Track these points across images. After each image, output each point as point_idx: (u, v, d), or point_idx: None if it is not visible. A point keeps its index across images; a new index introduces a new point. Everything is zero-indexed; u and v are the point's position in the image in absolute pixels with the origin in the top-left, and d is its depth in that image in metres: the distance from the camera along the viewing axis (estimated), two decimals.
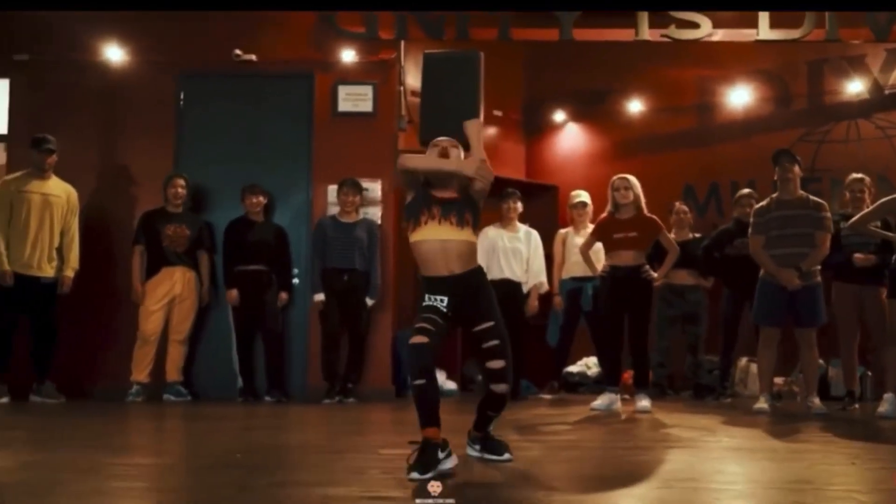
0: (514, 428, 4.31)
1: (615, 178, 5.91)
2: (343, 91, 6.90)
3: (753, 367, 7.08)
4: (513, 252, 6.75)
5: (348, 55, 6.90)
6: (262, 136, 6.92)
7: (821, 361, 6.06)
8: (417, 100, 6.68)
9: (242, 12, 6.75)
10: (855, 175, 6.17)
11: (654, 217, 5.89)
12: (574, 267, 6.91)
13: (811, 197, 5.78)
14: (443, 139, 3.44)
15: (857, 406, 5.99)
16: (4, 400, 5.99)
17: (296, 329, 6.78)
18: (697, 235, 7.34)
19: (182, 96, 6.98)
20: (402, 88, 7.01)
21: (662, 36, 6.85)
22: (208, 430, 4.69)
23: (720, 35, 6.89)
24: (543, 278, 6.88)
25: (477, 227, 3.28)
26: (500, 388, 3.18)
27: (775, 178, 5.84)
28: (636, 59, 7.91)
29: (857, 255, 5.81)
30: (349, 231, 6.45)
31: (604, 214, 5.97)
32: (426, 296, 3.16)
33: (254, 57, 6.88)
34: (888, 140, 7.75)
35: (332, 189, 6.69)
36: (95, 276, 6.53)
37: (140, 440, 4.49)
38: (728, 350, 6.95)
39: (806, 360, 5.78)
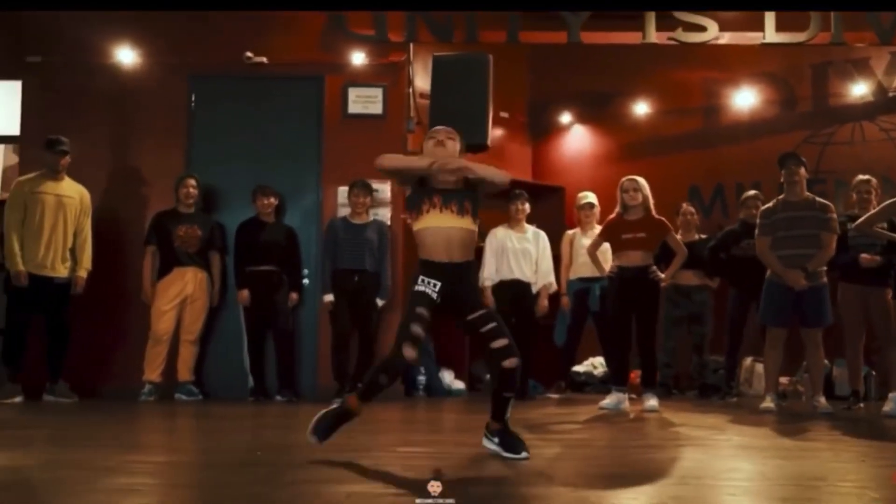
0: (524, 427, 4.34)
1: (624, 179, 5.97)
2: (353, 93, 6.97)
3: (758, 367, 7.16)
4: (522, 253, 6.81)
5: (358, 57, 6.97)
6: (272, 138, 6.99)
7: (826, 361, 6.11)
8: (427, 101, 6.82)
9: (253, 15, 6.82)
10: (862, 177, 6.23)
11: (662, 219, 5.95)
12: (582, 268, 6.99)
13: (817, 198, 5.84)
14: (440, 129, 3.54)
15: (861, 405, 6.05)
16: (18, 399, 6.05)
17: (306, 329, 6.84)
18: (703, 236, 7.41)
19: (193, 98, 7.05)
20: (411, 90, 7.07)
21: (669, 39, 6.92)
22: (225, 429, 4.75)
23: (727, 38, 6.96)
24: (552, 279, 6.94)
25: (476, 216, 3.39)
26: (511, 361, 3.26)
27: (781, 180, 5.91)
28: (642, 61, 7.98)
29: (864, 256, 5.87)
30: (360, 232, 6.51)
31: (612, 215, 6.03)
32: (420, 278, 3.29)
33: (264, 59, 6.95)
34: (892, 142, 7.82)
35: (342, 190, 6.76)
36: (107, 276, 6.59)
37: (159, 439, 4.54)
38: (733, 350, 7.01)
39: (812, 360, 5.85)
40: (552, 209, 8.48)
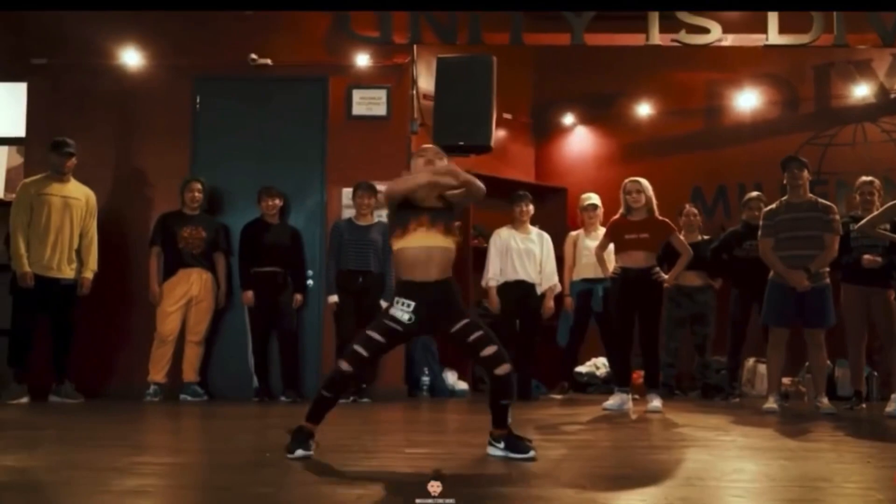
0: (528, 428, 4.38)
1: (627, 181, 5.98)
2: (357, 94, 6.99)
3: (761, 368, 7.18)
4: (526, 253, 6.84)
5: (362, 59, 6.99)
6: (276, 139, 7.01)
7: (828, 362, 6.14)
8: (431, 103, 6.84)
9: (258, 17, 6.84)
10: (864, 178, 6.26)
11: (665, 220, 5.97)
12: (585, 268, 7.02)
13: (820, 200, 5.87)
14: (428, 148, 3.56)
15: (864, 406, 6.08)
16: (24, 400, 6.06)
17: (310, 330, 6.86)
18: (706, 237, 7.43)
19: (198, 100, 7.06)
20: (415, 92, 7.10)
21: (673, 41, 6.94)
22: (230, 430, 4.77)
23: (730, 40, 6.98)
24: (557, 280, 6.97)
25: (458, 236, 3.44)
26: (502, 369, 3.27)
27: (784, 181, 5.93)
28: (644, 62, 8.00)
29: (866, 257, 5.90)
30: (364, 233, 6.54)
31: (616, 216, 6.06)
32: (395, 298, 3.33)
33: (269, 61, 6.97)
34: (894, 143, 7.84)
35: (346, 192, 6.78)
36: (112, 277, 6.61)
37: (166, 439, 4.57)
38: (736, 350, 7.04)
39: (814, 360, 5.87)
40: (555, 210, 8.51)
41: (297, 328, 6.72)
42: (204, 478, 3.04)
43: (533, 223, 7.09)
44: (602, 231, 6.56)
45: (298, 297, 6.68)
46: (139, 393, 6.39)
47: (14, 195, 6.42)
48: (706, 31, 6.92)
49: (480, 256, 7.31)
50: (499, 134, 7.59)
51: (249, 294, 6.57)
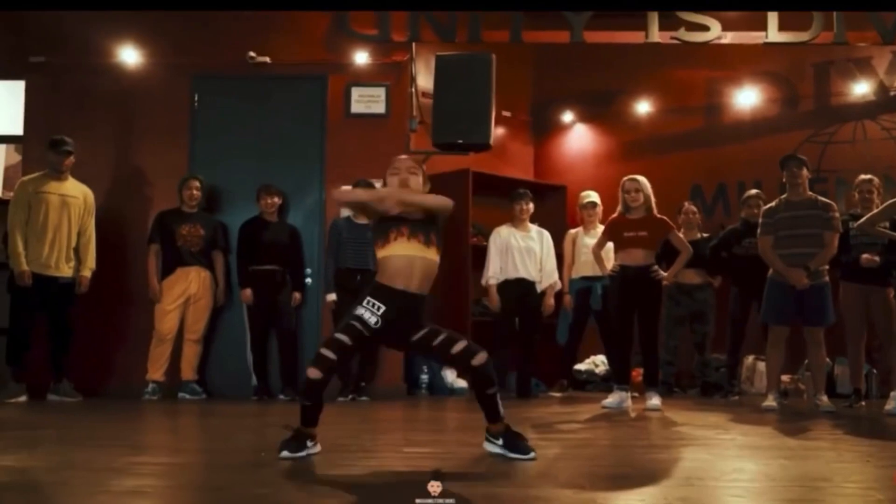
0: (527, 426, 4.38)
1: (625, 179, 5.97)
2: (356, 92, 6.98)
3: (760, 366, 7.18)
4: (527, 251, 6.84)
5: (361, 57, 6.98)
6: (275, 138, 7.00)
7: (827, 359, 6.13)
8: (430, 101, 6.83)
9: (256, 15, 6.83)
10: (864, 176, 6.25)
11: (664, 218, 5.97)
12: (584, 266, 7.01)
13: (819, 198, 5.86)
14: (403, 160, 3.47)
15: (863, 404, 6.08)
16: (22, 399, 6.06)
17: (309, 329, 6.86)
18: (705, 235, 7.43)
19: (196, 98, 7.06)
20: (414, 90, 7.09)
21: (672, 39, 6.94)
22: (229, 429, 4.76)
23: (729, 38, 6.98)
24: (557, 277, 6.98)
25: (440, 248, 3.37)
26: (478, 359, 3.22)
27: (784, 179, 5.93)
28: (644, 60, 7.99)
29: (865, 256, 5.90)
30: (363, 232, 6.51)
31: (615, 214, 6.05)
32: (367, 298, 3.26)
33: (268, 59, 6.97)
34: (893, 141, 7.82)
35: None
36: (110, 275, 6.61)
37: (164, 439, 4.56)
38: (735, 348, 7.03)
39: (814, 358, 5.86)
40: (554, 208, 8.50)
41: (295, 326, 6.72)
42: (202, 478, 3.03)
43: (532, 221, 7.09)
44: (601, 229, 6.56)
45: (297, 295, 6.68)
46: (138, 391, 6.39)
47: (12, 193, 6.41)
48: (706, 28, 6.92)
49: (480, 255, 7.31)
50: (498, 132, 7.58)
51: (248, 292, 6.57)
